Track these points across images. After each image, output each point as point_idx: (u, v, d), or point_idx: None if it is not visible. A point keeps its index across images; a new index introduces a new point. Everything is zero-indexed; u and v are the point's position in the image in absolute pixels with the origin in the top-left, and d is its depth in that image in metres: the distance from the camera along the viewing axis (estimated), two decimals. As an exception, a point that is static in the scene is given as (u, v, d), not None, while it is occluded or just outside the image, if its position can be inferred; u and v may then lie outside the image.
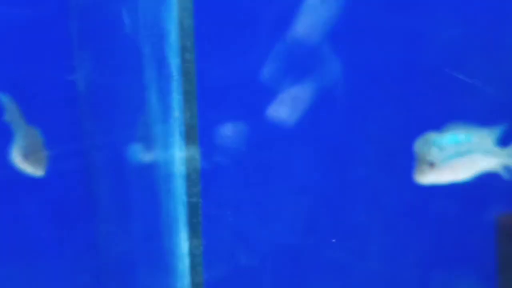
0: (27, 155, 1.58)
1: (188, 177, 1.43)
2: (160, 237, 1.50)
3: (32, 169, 1.62)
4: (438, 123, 1.38)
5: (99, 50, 1.68)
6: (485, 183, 1.62)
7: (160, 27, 1.41)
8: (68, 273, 1.80)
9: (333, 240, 1.71)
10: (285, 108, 1.52)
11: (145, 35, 1.47)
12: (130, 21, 1.51)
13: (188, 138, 1.41)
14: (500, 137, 1.36)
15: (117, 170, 1.68)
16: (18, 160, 1.59)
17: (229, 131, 1.53)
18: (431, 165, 1.25)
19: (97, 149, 1.76)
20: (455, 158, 1.30)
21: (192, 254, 1.45)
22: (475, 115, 1.53)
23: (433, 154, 1.26)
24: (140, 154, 1.52)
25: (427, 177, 1.29)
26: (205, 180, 1.48)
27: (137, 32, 1.50)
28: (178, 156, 1.43)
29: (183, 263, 1.45)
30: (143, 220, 1.59)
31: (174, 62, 1.38)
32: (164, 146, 1.45)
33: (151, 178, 1.51)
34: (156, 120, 1.46)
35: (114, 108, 1.65)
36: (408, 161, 1.36)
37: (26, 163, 1.58)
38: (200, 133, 1.44)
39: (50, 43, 1.77)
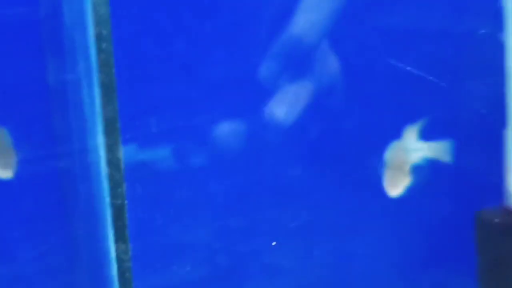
0: None
1: (111, 178, 1.33)
2: (88, 242, 1.42)
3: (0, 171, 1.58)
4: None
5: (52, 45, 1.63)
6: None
7: (81, 15, 1.33)
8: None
9: (273, 243, 1.61)
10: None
11: (74, 26, 1.40)
12: (68, 12, 1.44)
13: (108, 135, 1.30)
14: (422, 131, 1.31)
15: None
16: None
17: None
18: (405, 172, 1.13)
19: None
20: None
21: (119, 260, 1.35)
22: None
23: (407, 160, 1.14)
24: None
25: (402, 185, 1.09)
26: (130, 181, 1.38)
27: (72, 24, 1.43)
28: (100, 155, 1.34)
29: (111, 270, 1.36)
30: (74, 223, 1.51)
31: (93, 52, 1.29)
32: (86, 144, 1.37)
33: (75, 179, 1.43)
34: (81, 117, 1.38)
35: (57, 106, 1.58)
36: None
37: None
38: (122, 130, 1.34)
39: (18, 41, 1.74)
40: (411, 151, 1.26)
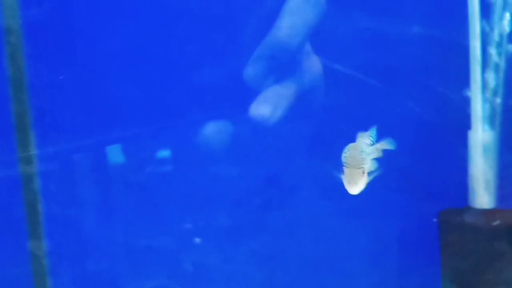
0: None
1: (24, 174, 1.31)
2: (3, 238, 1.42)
3: None
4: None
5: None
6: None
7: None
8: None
9: (197, 240, 1.60)
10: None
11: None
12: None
13: (19, 130, 1.28)
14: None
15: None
16: None
17: None
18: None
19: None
20: None
21: (34, 256, 1.33)
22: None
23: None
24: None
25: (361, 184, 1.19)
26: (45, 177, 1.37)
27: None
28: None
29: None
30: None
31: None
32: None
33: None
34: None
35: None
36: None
37: None
38: (34, 126, 1.33)
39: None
40: (365, 153, 1.26)
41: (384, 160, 1.50)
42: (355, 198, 1.68)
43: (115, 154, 1.55)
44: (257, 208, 1.70)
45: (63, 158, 1.49)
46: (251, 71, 1.45)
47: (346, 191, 1.78)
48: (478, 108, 1.68)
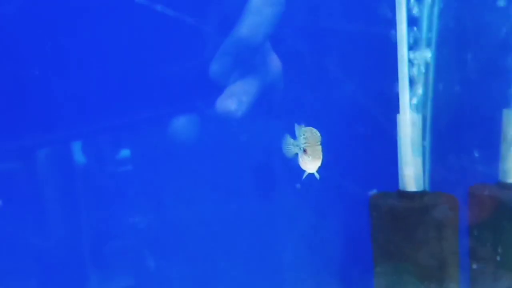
0: None
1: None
2: None
3: None
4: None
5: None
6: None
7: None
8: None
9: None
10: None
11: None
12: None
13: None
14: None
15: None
16: None
17: None
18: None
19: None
20: None
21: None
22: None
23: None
24: None
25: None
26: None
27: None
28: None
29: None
30: None
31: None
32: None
33: None
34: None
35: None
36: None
37: None
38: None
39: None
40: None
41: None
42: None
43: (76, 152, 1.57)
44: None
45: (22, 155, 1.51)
46: (216, 67, 1.52)
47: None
48: (405, 92, 1.71)
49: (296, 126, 1.41)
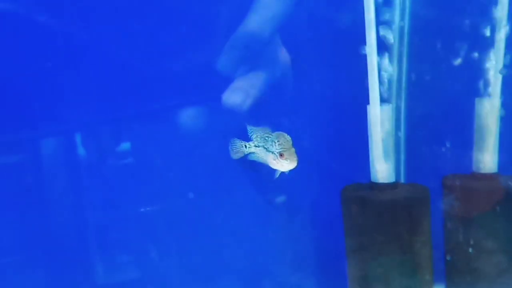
0: None
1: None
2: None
3: None
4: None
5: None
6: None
7: None
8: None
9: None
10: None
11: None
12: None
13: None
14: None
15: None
16: None
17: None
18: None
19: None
20: None
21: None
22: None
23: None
24: None
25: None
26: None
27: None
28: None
29: None
30: None
31: None
32: None
33: None
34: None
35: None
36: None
37: None
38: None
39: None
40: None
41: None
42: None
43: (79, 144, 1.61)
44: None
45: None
46: (224, 60, 1.55)
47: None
48: (375, 84, 1.69)
49: (248, 127, 1.49)
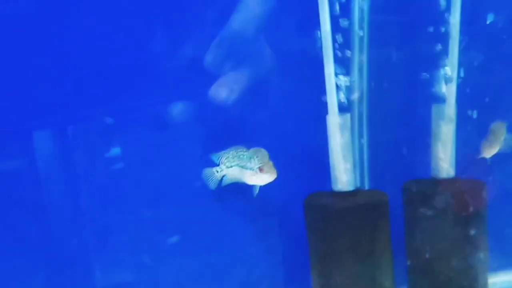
0: None
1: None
2: None
3: None
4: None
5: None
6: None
7: None
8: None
9: None
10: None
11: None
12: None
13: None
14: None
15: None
16: None
17: None
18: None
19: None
20: None
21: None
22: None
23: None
24: None
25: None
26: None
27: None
28: None
29: None
30: None
31: None
32: None
33: None
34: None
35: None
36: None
37: None
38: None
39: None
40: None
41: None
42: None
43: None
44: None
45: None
46: (210, 58, 1.64)
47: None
48: (333, 94, 1.72)
49: (213, 155, 1.59)
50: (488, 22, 1.74)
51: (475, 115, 1.77)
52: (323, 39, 1.70)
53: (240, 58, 1.68)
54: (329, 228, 1.69)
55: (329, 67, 1.71)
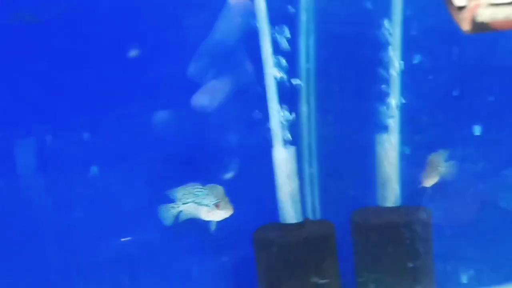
0: None
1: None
2: None
3: None
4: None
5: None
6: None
7: None
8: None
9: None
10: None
11: None
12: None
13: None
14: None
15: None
16: None
17: None
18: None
19: None
20: None
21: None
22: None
23: None
24: None
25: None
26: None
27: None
28: None
29: None
30: None
31: None
32: None
33: None
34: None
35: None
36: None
37: None
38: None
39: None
40: None
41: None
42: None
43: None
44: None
45: None
46: (193, 67, 1.70)
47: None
48: (277, 128, 1.75)
49: (169, 192, 1.61)
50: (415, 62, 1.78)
51: (417, 144, 1.81)
52: (265, 74, 1.73)
53: (222, 68, 1.74)
54: (276, 262, 1.70)
55: (273, 100, 1.73)
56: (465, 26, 0.82)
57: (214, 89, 1.73)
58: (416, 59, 1.75)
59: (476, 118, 1.81)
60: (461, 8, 0.80)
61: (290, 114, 1.77)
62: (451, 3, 0.80)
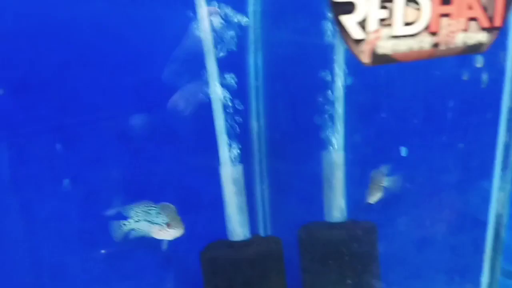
0: None
1: None
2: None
3: None
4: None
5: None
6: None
7: None
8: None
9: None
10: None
11: None
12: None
13: None
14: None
15: None
16: None
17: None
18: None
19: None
20: None
21: None
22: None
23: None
24: None
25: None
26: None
27: None
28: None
29: None
30: None
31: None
32: None
33: None
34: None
35: None
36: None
37: None
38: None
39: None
40: None
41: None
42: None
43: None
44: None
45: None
46: (167, 73, 1.74)
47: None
48: (224, 146, 1.77)
49: (123, 208, 1.63)
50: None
51: (363, 160, 1.84)
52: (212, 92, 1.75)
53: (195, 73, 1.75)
54: (222, 280, 1.72)
55: (220, 119, 1.75)
56: (365, 59, 0.84)
57: (188, 93, 1.77)
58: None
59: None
60: (358, 41, 0.82)
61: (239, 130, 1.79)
62: (348, 36, 0.83)
